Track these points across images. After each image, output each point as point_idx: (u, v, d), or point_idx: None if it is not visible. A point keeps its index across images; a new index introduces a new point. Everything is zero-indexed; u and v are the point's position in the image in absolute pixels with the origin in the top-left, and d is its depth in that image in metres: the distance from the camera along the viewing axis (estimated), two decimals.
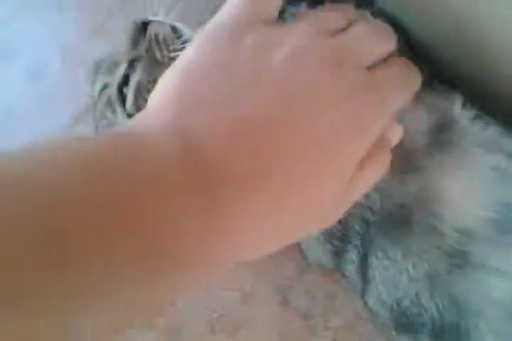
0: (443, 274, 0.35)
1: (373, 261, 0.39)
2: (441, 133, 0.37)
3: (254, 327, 0.46)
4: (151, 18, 0.46)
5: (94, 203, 0.17)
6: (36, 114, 0.64)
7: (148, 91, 0.43)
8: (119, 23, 0.64)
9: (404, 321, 0.38)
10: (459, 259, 0.34)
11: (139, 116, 0.23)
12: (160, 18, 0.46)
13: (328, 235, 0.41)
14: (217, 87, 0.22)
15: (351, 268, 0.41)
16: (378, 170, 0.28)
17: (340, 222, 0.40)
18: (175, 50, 0.43)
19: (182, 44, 0.43)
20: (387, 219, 0.37)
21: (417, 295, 0.36)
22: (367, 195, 0.37)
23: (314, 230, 0.27)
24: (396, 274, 0.37)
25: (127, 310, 0.18)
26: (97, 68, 0.48)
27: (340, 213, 0.27)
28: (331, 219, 0.27)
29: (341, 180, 0.24)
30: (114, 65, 0.46)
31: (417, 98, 0.38)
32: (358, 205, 0.38)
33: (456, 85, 0.39)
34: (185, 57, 0.24)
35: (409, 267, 0.36)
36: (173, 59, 0.43)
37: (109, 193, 0.18)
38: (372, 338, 0.44)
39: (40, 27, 0.67)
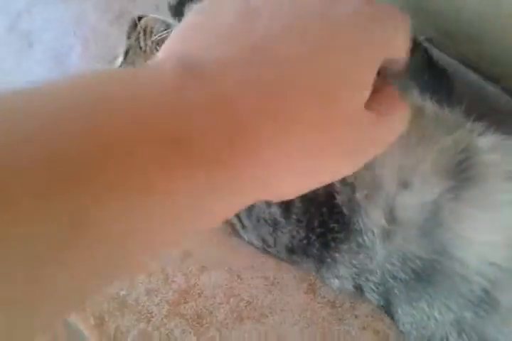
0: (470, 319, 0.34)
1: (398, 310, 0.39)
2: (465, 171, 0.35)
3: (281, 315, 0.45)
4: (148, 14, 0.51)
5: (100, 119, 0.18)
6: None
7: None
8: (140, 9, 0.64)
9: None
10: (486, 305, 0.34)
11: (148, 63, 0.24)
12: (157, 15, 0.52)
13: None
14: (225, 20, 0.23)
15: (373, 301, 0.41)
16: (403, 113, 0.27)
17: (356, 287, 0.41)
18: (157, 40, 0.48)
19: (165, 32, 0.48)
20: (410, 277, 0.36)
21: (446, 335, 0.36)
22: (389, 262, 0.37)
23: (339, 174, 0.26)
24: (423, 319, 0.37)
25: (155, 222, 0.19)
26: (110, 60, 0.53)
27: (365, 156, 0.26)
28: (357, 161, 0.26)
29: (362, 89, 0.24)
30: (115, 57, 0.51)
31: (438, 125, 0.37)
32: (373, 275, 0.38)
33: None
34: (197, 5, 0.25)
35: (436, 314, 0.36)
36: (153, 47, 0.48)
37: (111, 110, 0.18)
38: None
39: (62, 14, 0.67)
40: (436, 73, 0.45)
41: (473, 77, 0.49)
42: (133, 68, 0.22)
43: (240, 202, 0.22)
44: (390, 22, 0.25)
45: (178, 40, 0.23)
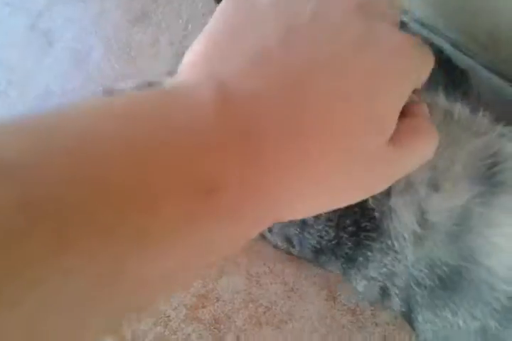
0: (495, 328, 0.34)
1: (418, 318, 0.38)
2: (495, 176, 0.34)
3: (301, 322, 0.45)
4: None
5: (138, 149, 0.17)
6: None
7: None
8: (162, 10, 0.63)
9: None
10: (510, 315, 0.33)
11: (172, 81, 0.23)
12: None
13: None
14: (247, 41, 0.22)
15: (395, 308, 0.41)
16: (428, 140, 0.26)
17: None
18: None
19: None
20: (435, 284, 0.36)
21: None
22: (416, 268, 0.36)
23: (360, 196, 0.25)
24: (446, 327, 0.36)
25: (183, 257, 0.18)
26: None
27: (387, 181, 0.25)
28: (378, 188, 0.25)
29: (386, 130, 0.23)
30: None
31: (467, 128, 0.36)
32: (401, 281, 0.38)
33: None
34: (212, 19, 0.24)
35: (460, 322, 0.35)
36: None
37: (150, 139, 0.18)
38: None
39: (82, 13, 0.67)
40: (453, 72, 0.45)
41: (498, 81, 0.48)
42: (162, 91, 0.21)
43: (252, 233, 0.22)
44: (417, 53, 0.24)
45: (212, 53, 0.22)
